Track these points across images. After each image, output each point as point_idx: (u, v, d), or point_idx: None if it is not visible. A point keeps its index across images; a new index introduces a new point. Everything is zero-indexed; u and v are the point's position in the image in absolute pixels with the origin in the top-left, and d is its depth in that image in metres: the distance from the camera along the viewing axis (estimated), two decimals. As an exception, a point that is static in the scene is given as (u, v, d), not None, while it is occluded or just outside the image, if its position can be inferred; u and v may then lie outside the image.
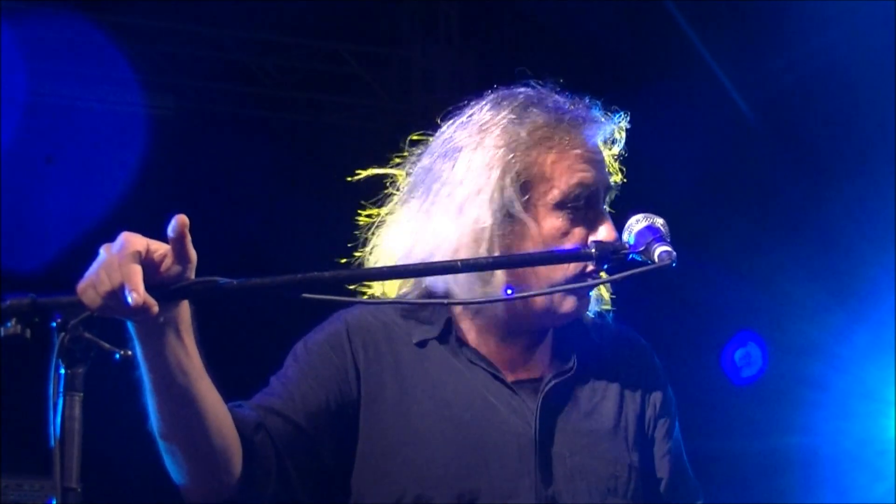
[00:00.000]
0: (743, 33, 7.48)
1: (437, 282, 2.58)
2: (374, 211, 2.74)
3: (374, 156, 2.82)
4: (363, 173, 2.76)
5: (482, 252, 2.52)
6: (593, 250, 2.37)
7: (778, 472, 7.83)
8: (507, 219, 2.54)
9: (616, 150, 2.67)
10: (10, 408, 6.23)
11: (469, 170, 2.57)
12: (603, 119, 2.63)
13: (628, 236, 2.39)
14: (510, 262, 2.54)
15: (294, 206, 8.16)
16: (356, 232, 2.76)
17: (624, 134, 2.69)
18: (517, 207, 2.53)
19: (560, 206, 2.55)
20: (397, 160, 2.76)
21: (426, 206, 2.61)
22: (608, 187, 2.61)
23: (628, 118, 2.70)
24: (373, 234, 2.72)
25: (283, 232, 7.98)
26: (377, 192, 2.78)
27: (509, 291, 2.54)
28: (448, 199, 2.58)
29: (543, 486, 2.52)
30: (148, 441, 2.33)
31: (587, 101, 2.66)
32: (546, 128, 2.58)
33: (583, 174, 2.56)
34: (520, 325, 2.63)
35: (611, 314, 2.73)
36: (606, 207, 2.62)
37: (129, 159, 7.81)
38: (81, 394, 2.04)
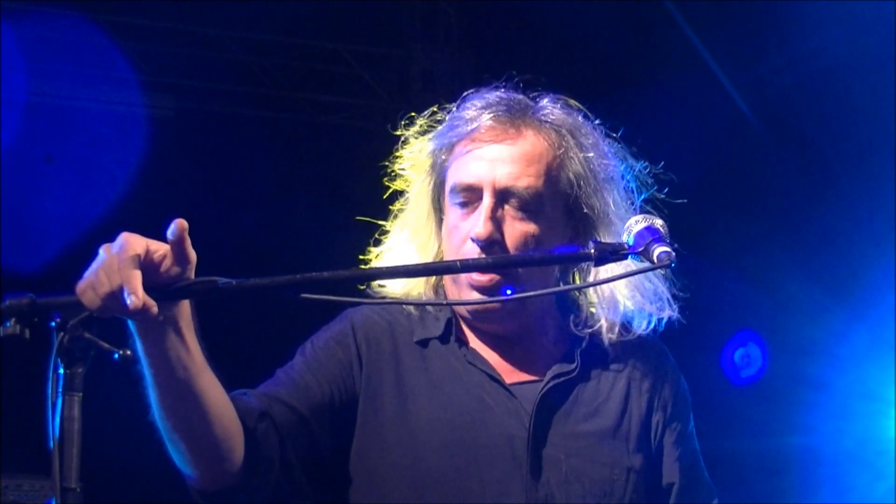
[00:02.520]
0: (743, 33, 7.48)
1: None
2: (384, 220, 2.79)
3: (375, 156, 2.82)
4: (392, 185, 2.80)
5: (431, 255, 2.67)
6: (592, 251, 2.37)
7: (778, 472, 7.83)
8: (439, 220, 2.68)
9: (569, 143, 2.63)
10: (10, 408, 6.24)
11: (412, 179, 2.71)
12: (532, 112, 2.63)
13: (628, 237, 2.39)
14: (510, 262, 2.55)
15: (294, 206, 8.17)
16: (357, 231, 2.78)
17: (586, 126, 2.68)
18: (437, 208, 2.67)
19: (450, 201, 2.62)
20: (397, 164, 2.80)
21: (402, 212, 2.77)
22: (507, 181, 2.57)
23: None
24: (381, 240, 2.77)
25: (283, 232, 7.98)
26: (377, 192, 2.78)
27: (509, 292, 2.55)
28: (406, 208, 2.73)
29: (535, 489, 2.52)
30: (147, 441, 2.33)
31: (513, 98, 2.67)
32: (451, 127, 2.64)
33: (466, 171, 2.60)
34: (479, 329, 2.67)
35: (641, 318, 2.69)
36: (552, 200, 2.60)
37: (129, 159, 7.81)
38: (81, 394, 2.04)
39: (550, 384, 2.61)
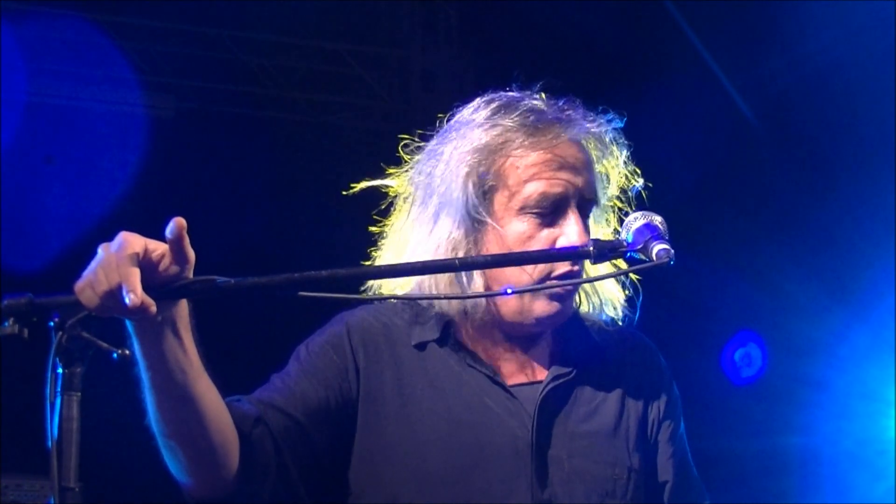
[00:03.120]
0: (743, 33, 7.48)
1: (423, 284, 2.61)
2: (384, 221, 2.76)
3: (375, 156, 2.82)
4: (371, 183, 2.76)
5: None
6: (591, 248, 2.36)
7: (778, 472, 7.83)
8: (475, 226, 2.57)
9: (612, 152, 2.64)
10: (9, 408, 6.23)
11: (442, 179, 2.61)
12: (584, 121, 2.61)
13: (626, 234, 2.38)
14: (508, 260, 2.54)
15: (294, 206, 8.17)
16: (357, 231, 2.77)
17: (619, 135, 2.68)
18: (482, 214, 2.57)
19: (522, 210, 2.56)
20: (402, 166, 2.76)
21: (412, 215, 2.67)
22: (585, 190, 2.57)
23: (624, 119, 2.69)
24: (379, 243, 2.74)
25: (283, 232, 7.98)
26: (377, 193, 2.78)
27: (509, 290, 2.54)
28: (426, 210, 2.63)
29: (539, 489, 2.52)
30: (147, 440, 2.33)
31: (570, 102, 2.65)
32: (509, 132, 2.58)
33: (545, 178, 2.55)
34: (505, 329, 2.63)
35: (623, 316, 2.70)
36: (599, 210, 2.62)
37: (129, 159, 7.81)
38: (79, 393, 2.03)
39: (551, 385, 2.61)
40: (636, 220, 2.38)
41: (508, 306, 2.58)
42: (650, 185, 2.74)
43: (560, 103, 2.64)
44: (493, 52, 8.19)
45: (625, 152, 2.69)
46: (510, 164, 2.56)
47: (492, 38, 8.38)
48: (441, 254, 2.57)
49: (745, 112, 7.74)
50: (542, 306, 2.56)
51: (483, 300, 2.59)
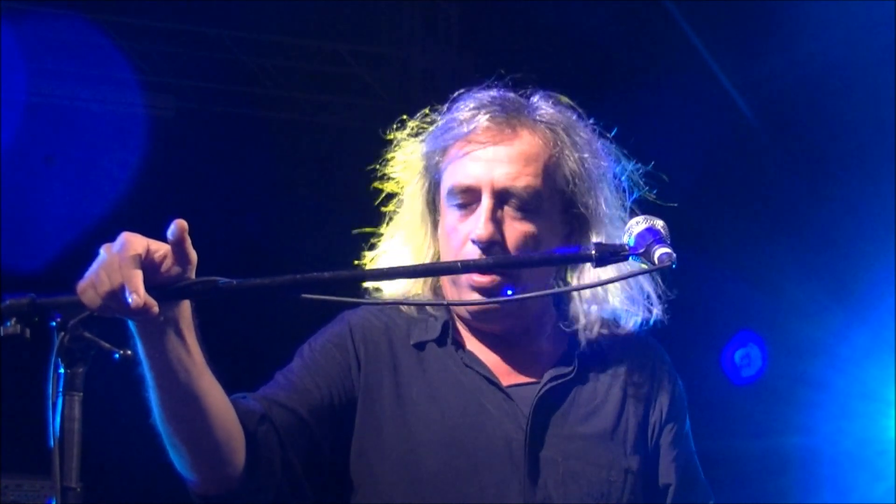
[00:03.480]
0: (743, 33, 7.48)
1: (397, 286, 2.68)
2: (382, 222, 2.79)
3: (375, 156, 2.82)
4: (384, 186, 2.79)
5: (428, 257, 2.66)
6: (593, 252, 2.37)
7: (778, 472, 7.83)
8: (434, 222, 2.67)
9: (571, 143, 2.64)
10: (10, 408, 6.24)
11: (405, 179, 2.70)
12: (525, 110, 2.63)
13: (629, 238, 2.39)
14: (510, 262, 2.55)
15: (294, 206, 8.17)
16: (358, 231, 2.77)
17: (585, 127, 2.68)
18: (432, 210, 2.66)
19: (448, 203, 2.61)
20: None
21: (395, 222, 2.76)
22: (504, 180, 2.56)
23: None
24: (376, 244, 2.77)
25: (283, 232, 7.98)
26: (377, 193, 2.78)
27: (510, 292, 2.55)
28: (400, 211, 2.73)
29: (532, 490, 2.51)
30: (148, 441, 2.33)
31: (536, 94, 2.68)
32: (444, 129, 2.64)
33: (458, 169, 2.59)
34: (477, 330, 2.66)
35: (629, 316, 2.70)
36: (545, 201, 2.60)
37: (129, 159, 7.80)
38: (81, 393, 2.04)
39: (548, 386, 2.61)
40: (638, 224, 2.39)
41: (458, 308, 2.65)
42: (651, 184, 2.74)
43: (506, 93, 2.67)
44: (493, 52, 8.19)
45: (606, 146, 2.69)
46: (444, 159, 2.64)
47: (492, 38, 8.38)
48: (416, 252, 2.67)
49: (744, 112, 7.74)
50: (474, 307, 2.61)
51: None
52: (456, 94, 2.72)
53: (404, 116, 2.77)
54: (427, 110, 2.74)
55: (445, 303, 2.64)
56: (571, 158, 2.63)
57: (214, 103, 8.29)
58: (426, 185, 2.67)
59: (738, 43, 7.51)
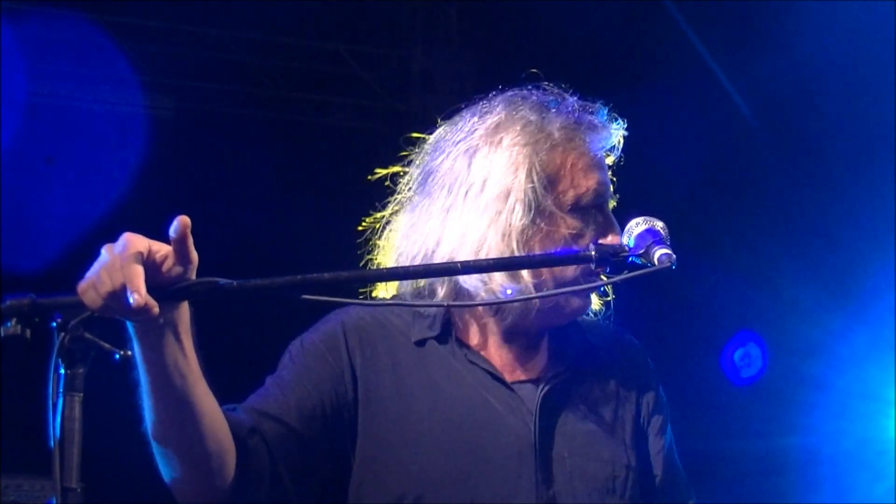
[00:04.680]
0: (743, 33, 7.48)
1: (468, 280, 2.59)
2: (378, 214, 2.75)
3: (375, 156, 2.82)
4: (379, 173, 2.76)
5: (508, 251, 2.54)
6: (593, 253, 2.37)
7: (778, 472, 7.83)
8: (536, 217, 2.56)
9: (613, 157, 2.69)
10: (10, 408, 6.24)
11: (492, 169, 2.58)
12: (609, 125, 2.66)
13: (628, 239, 2.39)
14: (511, 264, 2.54)
15: (294, 206, 8.17)
16: (358, 232, 2.76)
17: (621, 142, 2.71)
18: (549, 206, 2.56)
19: (575, 207, 2.57)
20: (401, 163, 2.76)
21: (445, 205, 2.61)
22: (610, 191, 2.63)
23: (626, 121, 2.71)
24: (381, 235, 2.73)
25: (283, 232, 7.98)
26: (378, 192, 2.78)
27: (509, 291, 2.54)
28: (472, 199, 2.58)
29: (545, 487, 2.51)
30: (147, 441, 2.33)
31: (597, 105, 2.69)
32: (567, 129, 2.60)
33: (596, 178, 2.60)
34: (523, 326, 2.63)
35: (611, 315, 2.72)
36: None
37: (129, 159, 7.81)
38: (81, 394, 2.03)
39: (549, 383, 2.61)
40: (637, 225, 2.40)
41: (546, 301, 2.58)
42: (651, 184, 2.75)
43: (590, 104, 2.68)
44: (493, 52, 8.19)
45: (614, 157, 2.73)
46: (571, 161, 2.59)
47: (492, 38, 8.38)
48: (494, 241, 2.54)
49: (744, 112, 7.74)
50: (576, 301, 2.60)
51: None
52: (511, 92, 2.68)
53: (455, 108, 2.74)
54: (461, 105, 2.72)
55: (446, 304, 2.62)
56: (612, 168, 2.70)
57: (214, 103, 8.29)
58: (533, 178, 2.56)
59: (738, 43, 7.52)
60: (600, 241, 2.53)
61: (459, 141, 2.64)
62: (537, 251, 2.56)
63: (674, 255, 2.30)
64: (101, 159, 7.91)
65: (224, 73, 8.24)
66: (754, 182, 7.98)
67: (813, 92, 7.31)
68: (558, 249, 2.58)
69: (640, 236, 2.37)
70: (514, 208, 2.55)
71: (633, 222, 2.41)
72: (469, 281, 2.58)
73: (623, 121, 2.71)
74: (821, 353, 7.73)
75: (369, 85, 8.58)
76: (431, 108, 7.94)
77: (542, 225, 2.56)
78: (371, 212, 2.77)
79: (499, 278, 2.55)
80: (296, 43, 8.40)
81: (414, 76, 8.59)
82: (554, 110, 2.62)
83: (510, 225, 2.54)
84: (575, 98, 2.68)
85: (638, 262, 2.38)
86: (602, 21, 7.39)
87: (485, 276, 2.56)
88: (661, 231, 2.38)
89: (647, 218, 2.42)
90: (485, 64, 8.30)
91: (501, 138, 2.59)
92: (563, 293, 2.58)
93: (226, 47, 8.20)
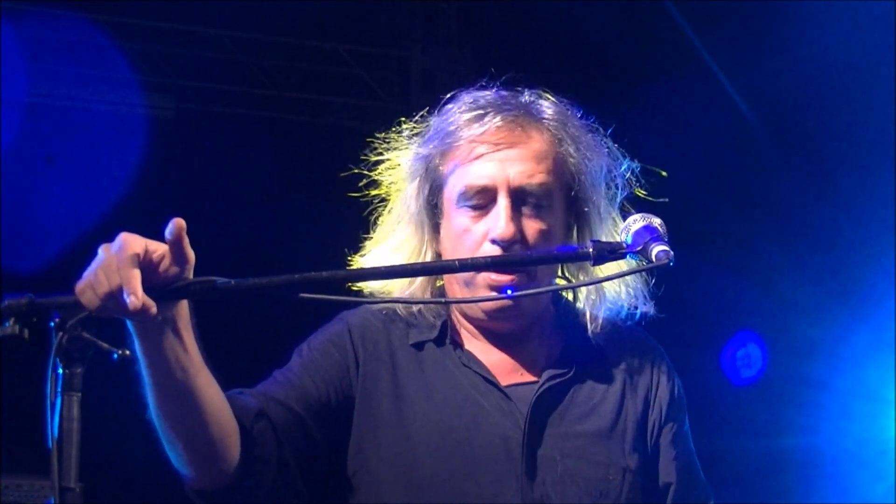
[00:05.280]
0: (743, 33, 7.48)
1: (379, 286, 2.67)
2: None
3: (374, 156, 2.82)
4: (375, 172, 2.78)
5: (433, 252, 2.66)
6: (590, 250, 2.37)
7: (778, 472, 7.83)
8: (433, 225, 2.65)
9: (579, 141, 2.65)
10: (10, 408, 6.23)
11: (400, 183, 2.70)
12: (529, 108, 2.63)
13: (626, 236, 2.38)
14: (509, 261, 2.55)
15: (294, 206, 8.17)
16: (358, 231, 2.77)
17: (590, 126, 2.69)
18: (431, 213, 2.64)
19: (458, 204, 2.60)
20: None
21: (385, 226, 2.73)
22: (519, 179, 2.57)
23: (625, 121, 2.70)
24: (368, 245, 2.76)
25: (283, 232, 7.98)
26: (378, 191, 2.78)
27: (509, 291, 2.55)
28: (392, 215, 2.72)
29: (530, 489, 2.51)
30: (147, 441, 2.33)
31: (532, 93, 2.68)
32: (445, 126, 2.63)
33: (471, 170, 2.58)
34: (490, 328, 2.65)
35: (624, 313, 2.70)
36: (556, 199, 2.61)
37: (129, 159, 7.81)
38: (80, 393, 2.03)
39: (546, 385, 2.61)
40: (635, 222, 2.39)
41: (461, 306, 2.65)
42: (651, 184, 2.74)
43: (504, 93, 2.67)
44: (493, 52, 8.18)
45: (603, 145, 2.69)
46: (447, 159, 2.62)
47: (492, 38, 8.38)
48: (411, 255, 2.66)
49: (745, 112, 7.74)
50: (490, 302, 2.59)
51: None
52: (448, 95, 2.71)
53: (402, 119, 2.76)
54: (424, 112, 2.74)
55: (444, 301, 2.64)
56: (575, 156, 2.64)
57: (214, 103, 8.29)
58: (426, 187, 2.65)
59: (738, 43, 7.52)
60: (491, 235, 2.54)
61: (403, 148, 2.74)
62: (448, 250, 2.62)
63: (671, 252, 2.29)
64: (101, 159, 7.91)
65: (224, 73, 8.24)
66: (754, 182, 7.97)
67: (813, 92, 7.30)
68: (560, 246, 2.59)
69: (638, 233, 2.36)
70: (408, 227, 2.67)
71: (630, 219, 2.40)
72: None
73: (576, 109, 2.69)
74: (821, 353, 7.72)
75: (369, 85, 8.58)
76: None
77: (438, 230, 2.65)
78: (370, 213, 2.78)
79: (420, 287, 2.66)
80: (296, 43, 8.40)
81: (414, 76, 8.59)
82: (450, 109, 2.65)
83: (411, 244, 2.66)
84: (490, 90, 2.68)
85: (636, 258, 2.37)
86: (602, 21, 7.39)
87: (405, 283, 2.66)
88: (659, 228, 2.37)
89: (645, 215, 2.41)
90: (485, 64, 8.27)
91: (411, 147, 2.70)
92: (563, 288, 2.59)
93: (226, 47, 8.20)
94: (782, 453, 7.85)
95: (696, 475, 2.75)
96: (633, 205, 2.65)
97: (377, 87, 8.59)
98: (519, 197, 2.57)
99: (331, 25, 8.34)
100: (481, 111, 2.61)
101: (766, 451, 7.83)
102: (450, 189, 2.62)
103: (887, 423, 7.68)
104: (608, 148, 2.71)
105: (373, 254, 2.71)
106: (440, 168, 2.63)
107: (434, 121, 2.69)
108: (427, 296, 2.67)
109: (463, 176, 2.59)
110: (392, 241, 2.69)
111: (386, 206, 2.75)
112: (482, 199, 2.57)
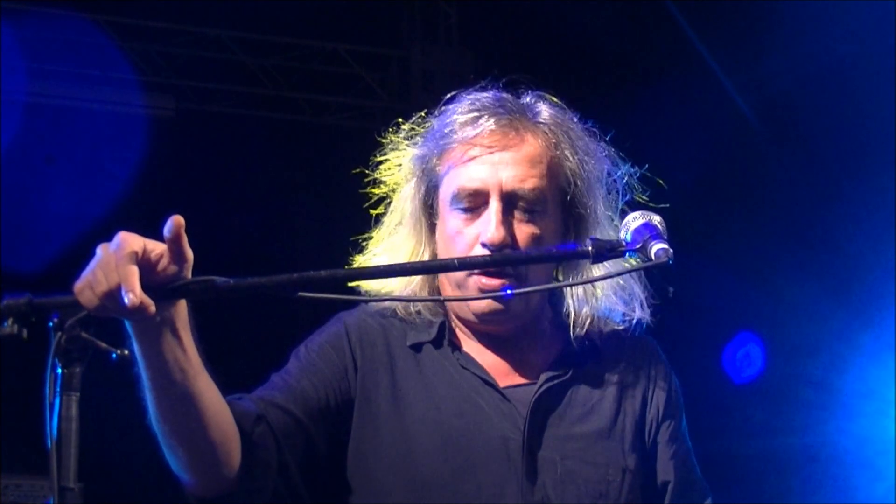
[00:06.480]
0: (743, 33, 7.48)
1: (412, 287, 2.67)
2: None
3: (374, 157, 2.82)
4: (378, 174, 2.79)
5: (430, 253, 2.66)
6: (590, 248, 2.36)
7: (778, 472, 7.83)
8: (430, 226, 2.66)
9: (574, 144, 2.63)
10: (9, 408, 6.23)
11: (399, 183, 2.70)
12: (526, 111, 2.63)
13: (625, 234, 2.37)
14: (508, 259, 2.55)
15: (294, 206, 8.17)
16: (357, 232, 2.77)
17: (588, 129, 2.69)
18: (428, 214, 2.65)
19: (451, 207, 2.60)
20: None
21: (384, 228, 2.74)
22: (511, 183, 2.56)
23: (626, 121, 2.69)
24: (365, 247, 2.76)
25: (283, 232, 7.99)
26: (378, 191, 2.78)
27: (509, 291, 2.54)
28: (391, 216, 2.72)
29: (530, 490, 2.51)
30: (146, 441, 2.33)
31: (533, 95, 2.68)
32: (442, 128, 2.63)
33: (463, 172, 2.58)
34: (486, 331, 2.65)
35: (622, 314, 2.69)
36: (552, 204, 2.60)
37: (129, 159, 7.81)
38: (78, 393, 2.03)
39: (544, 387, 2.60)
40: (635, 219, 2.37)
41: (453, 308, 2.65)
42: (650, 184, 2.74)
43: (502, 95, 2.66)
44: (493, 52, 8.19)
45: (602, 147, 2.69)
46: (443, 159, 2.62)
47: (492, 38, 8.39)
48: (427, 250, 2.66)
49: (745, 112, 7.74)
50: (478, 304, 2.58)
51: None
52: (448, 96, 2.70)
53: (399, 119, 2.76)
54: (423, 113, 2.74)
55: (442, 298, 2.64)
56: (571, 160, 2.63)
57: (214, 103, 8.30)
58: (422, 188, 2.66)
59: (738, 43, 7.52)
60: (482, 239, 2.54)
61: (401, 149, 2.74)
62: (441, 252, 2.62)
63: (671, 250, 2.28)
64: (101, 159, 7.92)
65: (224, 73, 8.24)
66: (754, 182, 7.98)
67: (813, 91, 7.30)
68: (560, 245, 2.58)
69: (637, 231, 2.34)
70: (406, 230, 2.67)
71: (630, 217, 2.39)
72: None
73: (573, 113, 2.69)
74: (821, 353, 7.73)
75: (369, 85, 8.58)
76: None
77: (435, 232, 2.65)
78: (369, 212, 2.78)
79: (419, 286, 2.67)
80: (296, 43, 8.41)
81: (414, 76, 8.59)
82: (447, 112, 2.65)
83: (408, 245, 2.66)
84: (490, 93, 2.67)
85: (635, 256, 2.36)
86: (602, 21, 7.39)
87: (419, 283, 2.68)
88: (659, 225, 2.35)
89: (645, 212, 2.39)
90: (485, 64, 8.28)
91: (408, 148, 2.69)
92: (563, 286, 2.59)
93: (226, 47, 8.20)
94: (782, 453, 7.85)
95: (693, 474, 2.75)
96: (632, 209, 2.64)
97: (377, 87, 8.59)
98: (511, 201, 2.56)
99: (331, 25, 8.34)
100: (477, 113, 2.61)
101: (766, 451, 7.83)
102: (444, 191, 2.62)
103: (887, 423, 7.68)
104: (606, 151, 2.70)
105: (372, 253, 2.70)
106: (436, 169, 2.63)
107: (433, 121, 2.69)
108: (425, 296, 2.67)
109: (456, 178, 2.59)
110: (391, 241, 2.69)
111: (386, 207, 2.75)
112: (474, 202, 2.57)
